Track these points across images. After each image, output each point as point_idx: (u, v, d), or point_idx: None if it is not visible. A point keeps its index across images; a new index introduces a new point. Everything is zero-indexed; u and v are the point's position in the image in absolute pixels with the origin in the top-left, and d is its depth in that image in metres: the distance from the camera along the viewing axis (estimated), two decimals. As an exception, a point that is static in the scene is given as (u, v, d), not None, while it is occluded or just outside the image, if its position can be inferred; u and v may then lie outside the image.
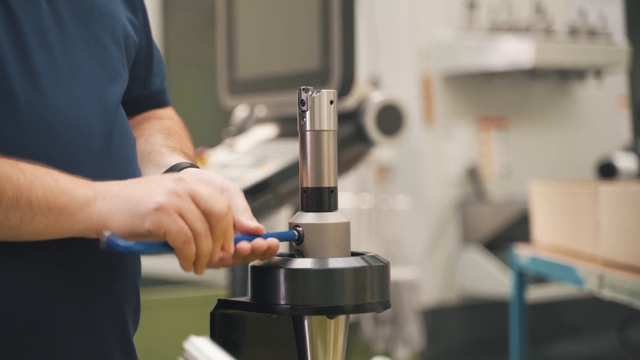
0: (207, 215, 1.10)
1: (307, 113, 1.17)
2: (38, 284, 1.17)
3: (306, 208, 1.18)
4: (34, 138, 1.16)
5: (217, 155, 2.85)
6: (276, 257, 1.17)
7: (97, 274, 1.23)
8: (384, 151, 4.44)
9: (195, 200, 1.09)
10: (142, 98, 1.46)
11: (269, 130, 2.94)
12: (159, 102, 1.49)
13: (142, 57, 1.43)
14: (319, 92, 1.17)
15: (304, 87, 1.18)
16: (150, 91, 1.47)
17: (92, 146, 1.21)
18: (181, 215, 1.08)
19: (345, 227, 1.19)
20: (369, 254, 1.19)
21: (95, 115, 1.23)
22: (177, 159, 1.33)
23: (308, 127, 1.18)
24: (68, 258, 1.19)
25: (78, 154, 1.19)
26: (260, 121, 3.04)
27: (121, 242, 1.07)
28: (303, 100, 1.17)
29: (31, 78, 1.17)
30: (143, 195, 1.09)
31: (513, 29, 4.67)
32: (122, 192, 1.11)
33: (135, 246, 1.08)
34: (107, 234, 1.07)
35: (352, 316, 1.18)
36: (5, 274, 1.15)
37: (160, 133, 1.41)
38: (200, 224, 1.09)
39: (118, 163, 1.26)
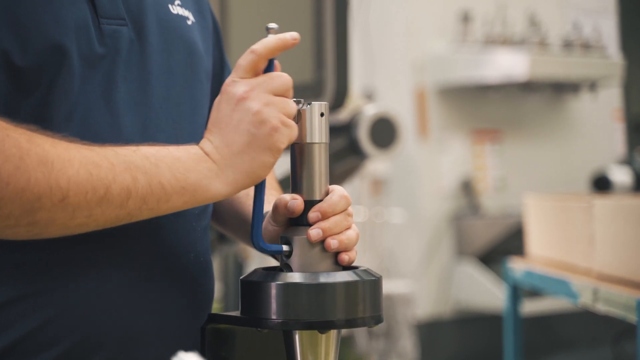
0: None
1: (298, 125, 1.16)
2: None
3: (297, 221, 1.17)
4: None
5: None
6: (266, 271, 1.16)
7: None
8: (378, 164, 4.43)
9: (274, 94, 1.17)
10: None
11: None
12: None
13: (217, 72, 1.44)
14: (309, 104, 1.16)
15: (294, 99, 1.17)
16: None
17: None
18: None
19: (337, 241, 1.17)
20: (361, 268, 1.17)
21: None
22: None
23: (299, 140, 1.16)
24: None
25: None
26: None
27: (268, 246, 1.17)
28: (293, 112, 1.16)
29: (117, 118, 1.17)
30: (254, 159, 1.13)
31: (507, 42, 4.68)
32: (235, 160, 1.13)
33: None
34: None
35: (345, 330, 1.17)
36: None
37: None
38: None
39: None
